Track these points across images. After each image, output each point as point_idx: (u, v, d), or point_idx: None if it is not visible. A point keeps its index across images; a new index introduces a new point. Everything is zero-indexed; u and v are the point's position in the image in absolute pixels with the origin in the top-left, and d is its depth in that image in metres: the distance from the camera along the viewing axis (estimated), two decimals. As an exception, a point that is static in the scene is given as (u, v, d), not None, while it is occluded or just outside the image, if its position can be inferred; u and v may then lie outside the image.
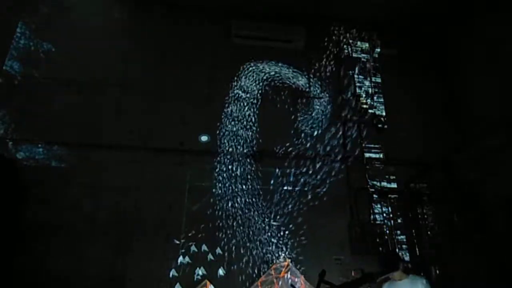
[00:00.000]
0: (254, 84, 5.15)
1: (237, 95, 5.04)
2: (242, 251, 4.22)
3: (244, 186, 4.55)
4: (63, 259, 3.89)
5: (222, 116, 4.89)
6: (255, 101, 5.05)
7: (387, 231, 4.60)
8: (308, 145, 4.92)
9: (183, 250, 4.12)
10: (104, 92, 4.79)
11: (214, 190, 4.47)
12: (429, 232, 4.61)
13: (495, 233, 4.23)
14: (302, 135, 4.97)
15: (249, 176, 4.63)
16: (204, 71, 5.12)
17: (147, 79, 4.96)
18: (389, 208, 4.75)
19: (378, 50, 5.57)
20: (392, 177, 4.94)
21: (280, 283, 4.06)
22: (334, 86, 5.36)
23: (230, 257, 4.17)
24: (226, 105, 4.96)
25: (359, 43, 5.71)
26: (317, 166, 4.80)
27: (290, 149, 4.85)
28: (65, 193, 4.19)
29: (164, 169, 4.50)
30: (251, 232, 4.34)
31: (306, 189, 4.65)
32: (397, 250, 4.54)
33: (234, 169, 4.64)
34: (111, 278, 3.93)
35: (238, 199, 4.47)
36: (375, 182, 4.88)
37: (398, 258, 3.50)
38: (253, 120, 4.93)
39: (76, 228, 4.05)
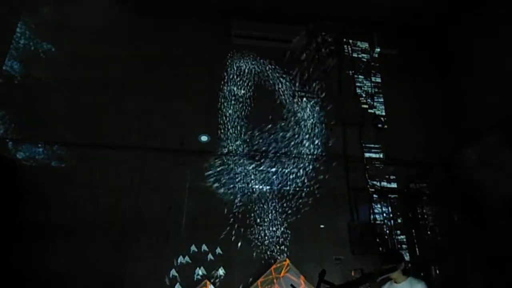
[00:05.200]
0: (254, 84, 5.15)
1: (237, 94, 5.04)
2: (242, 251, 4.22)
3: (243, 186, 4.55)
4: (63, 259, 3.89)
5: (222, 116, 4.89)
6: (255, 100, 5.04)
7: (387, 231, 4.60)
8: (308, 145, 4.92)
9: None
10: (104, 92, 4.79)
11: (214, 190, 4.47)
12: (429, 232, 4.61)
13: (495, 233, 4.23)
14: (302, 134, 4.98)
15: (248, 176, 4.63)
16: (204, 71, 5.12)
17: (147, 79, 4.96)
18: (389, 208, 4.75)
19: (378, 50, 5.56)
20: (392, 177, 4.95)
21: (280, 283, 4.06)
22: (334, 85, 5.36)
23: (230, 257, 4.17)
24: (226, 105, 4.96)
25: (359, 42, 5.72)
26: (317, 166, 4.81)
27: (290, 149, 4.86)
28: (65, 193, 4.19)
29: (164, 169, 4.50)
30: (251, 232, 4.34)
31: (306, 189, 4.65)
32: (398, 248, 4.54)
33: (234, 169, 4.64)
34: (111, 278, 3.94)
35: (238, 199, 4.47)
36: (375, 182, 4.88)
37: (401, 256, 3.51)
38: (252, 120, 4.92)
39: (76, 228, 4.05)
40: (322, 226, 4.49)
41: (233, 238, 4.26)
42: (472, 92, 5.12)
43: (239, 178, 4.60)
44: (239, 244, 4.25)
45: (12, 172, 4.15)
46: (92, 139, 4.50)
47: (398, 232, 4.65)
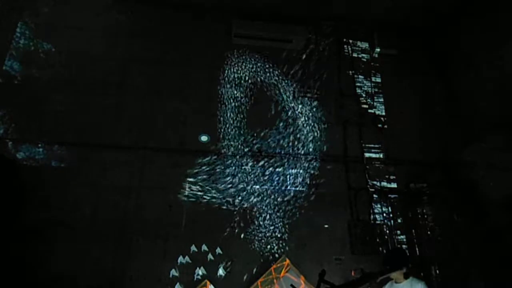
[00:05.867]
0: (254, 84, 5.15)
1: (237, 94, 5.04)
2: (242, 251, 4.22)
3: (243, 186, 4.55)
4: (63, 259, 3.89)
5: (222, 116, 4.89)
6: (255, 100, 5.04)
7: (387, 231, 4.60)
8: (308, 144, 4.93)
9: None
10: (104, 92, 4.79)
11: (214, 190, 4.47)
12: (429, 232, 4.61)
13: (495, 233, 4.23)
14: (302, 134, 4.98)
15: (248, 176, 4.63)
16: (204, 71, 5.12)
17: (147, 79, 4.96)
18: (389, 208, 4.75)
19: (378, 50, 5.57)
20: (392, 177, 4.95)
21: (280, 283, 4.06)
22: (334, 85, 5.36)
23: (230, 257, 4.17)
24: (226, 104, 4.96)
25: (359, 42, 5.72)
26: (317, 166, 4.80)
27: (290, 148, 4.86)
28: (65, 193, 4.19)
29: (164, 169, 4.50)
30: (251, 232, 4.34)
31: (306, 189, 4.65)
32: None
33: (234, 168, 4.63)
34: (111, 278, 3.94)
35: (238, 199, 4.47)
36: (375, 182, 4.88)
37: (407, 256, 3.48)
38: (253, 119, 4.92)
39: (76, 228, 4.05)
40: (326, 226, 4.49)
41: (233, 238, 4.26)
42: (472, 92, 5.12)
43: (239, 178, 4.60)
44: (239, 244, 4.25)
45: (12, 172, 4.14)
46: (92, 139, 4.50)
47: (398, 232, 4.65)
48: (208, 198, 4.42)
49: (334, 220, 4.55)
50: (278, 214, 4.48)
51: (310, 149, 4.90)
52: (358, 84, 5.45)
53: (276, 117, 5.00)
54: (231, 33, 5.23)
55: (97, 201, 4.22)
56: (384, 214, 4.70)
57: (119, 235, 4.11)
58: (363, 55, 5.67)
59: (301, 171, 4.76)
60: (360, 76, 5.51)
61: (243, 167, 4.67)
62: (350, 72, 5.51)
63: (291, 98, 5.16)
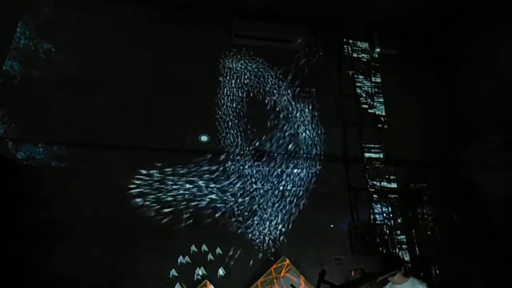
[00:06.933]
0: (254, 84, 5.15)
1: (237, 94, 5.04)
2: (242, 251, 4.22)
3: (243, 186, 4.55)
4: (63, 259, 3.89)
5: (222, 116, 4.89)
6: (255, 100, 5.04)
7: (387, 231, 4.60)
8: (308, 144, 4.92)
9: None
10: (104, 92, 4.79)
11: (213, 190, 4.47)
12: (429, 232, 4.61)
13: (495, 233, 4.23)
14: (302, 134, 4.98)
15: (248, 176, 4.63)
16: (204, 71, 5.12)
17: (147, 79, 4.96)
18: (389, 208, 4.75)
19: (378, 50, 5.57)
20: (392, 177, 4.95)
21: (280, 283, 4.06)
22: (334, 85, 5.36)
23: (230, 257, 4.17)
24: (226, 104, 4.96)
25: (359, 42, 5.72)
26: (317, 166, 4.80)
27: (290, 148, 4.86)
28: (65, 193, 4.19)
29: (164, 169, 4.49)
30: (251, 232, 4.34)
31: (306, 189, 4.65)
32: (397, 250, 4.54)
33: (234, 168, 4.64)
34: (111, 278, 3.94)
35: (238, 199, 4.47)
36: (375, 182, 4.88)
37: (399, 259, 3.50)
38: (252, 119, 4.92)
39: (76, 228, 4.05)
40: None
41: (233, 238, 4.26)
42: (472, 92, 5.12)
43: (239, 178, 4.60)
44: (239, 243, 4.25)
45: (12, 172, 4.14)
46: (92, 139, 4.50)
47: (398, 232, 4.65)
48: (208, 198, 4.42)
49: (334, 220, 4.55)
50: (278, 214, 4.48)
51: (310, 149, 4.90)
52: (358, 84, 5.45)
53: (276, 117, 5.00)
54: (231, 33, 5.24)
55: (97, 201, 4.22)
56: (384, 214, 4.70)
57: (119, 235, 4.11)
58: (363, 55, 5.66)
59: (301, 171, 4.76)
60: (360, 76, 5.51)
61: (243, 167, 4.67)
62: (350, 72, 5.51)
63: (291, 98, 5.16)
